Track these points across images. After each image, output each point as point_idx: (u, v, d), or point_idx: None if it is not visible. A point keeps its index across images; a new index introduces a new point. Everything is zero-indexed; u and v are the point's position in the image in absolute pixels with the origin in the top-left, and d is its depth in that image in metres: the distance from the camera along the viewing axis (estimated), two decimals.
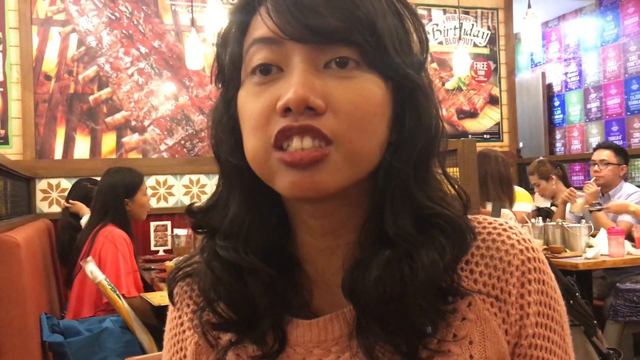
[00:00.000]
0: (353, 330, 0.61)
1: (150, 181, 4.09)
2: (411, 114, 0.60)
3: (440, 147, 0.63)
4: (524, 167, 5.41)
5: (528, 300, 0.63)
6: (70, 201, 3.38)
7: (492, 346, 0.61)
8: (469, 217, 0.66)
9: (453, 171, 2.61)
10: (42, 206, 3.89)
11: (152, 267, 3.41)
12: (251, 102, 0.59)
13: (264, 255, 0.63)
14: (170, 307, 0.73)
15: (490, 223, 0.66)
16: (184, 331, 0.70)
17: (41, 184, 3.90)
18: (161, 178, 4.18)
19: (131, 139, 4.15)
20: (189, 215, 0.68)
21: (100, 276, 2.42)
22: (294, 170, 0.55)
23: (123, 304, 2.42)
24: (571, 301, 2.11)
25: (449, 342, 0.61)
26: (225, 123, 0.64)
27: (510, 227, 0.66)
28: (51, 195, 3.91)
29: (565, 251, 3.16)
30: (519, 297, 0.63)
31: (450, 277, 0.61)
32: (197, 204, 0.68)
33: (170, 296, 0.72)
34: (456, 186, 0.65)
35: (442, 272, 0.59)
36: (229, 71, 0.63)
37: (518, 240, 0.65)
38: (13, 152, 3.84)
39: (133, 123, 4.16)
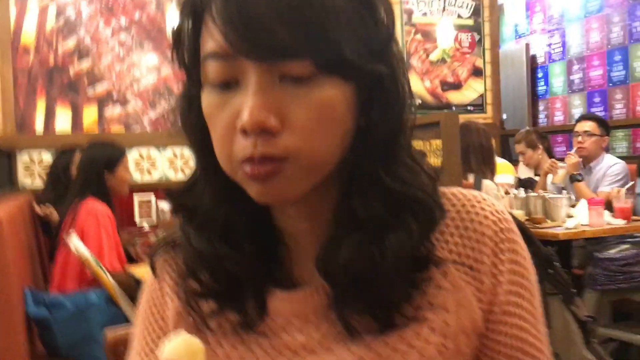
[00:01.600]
0: (331, 303, 0.63)
1: (133, 154, 4.07)
2: (378, 102, 0.60)
3: (410, 124, 0.64)
4: (507, 139, 5.44)
5: (501, 270, 0.65)
6: (43, 207, 3.22)
7: (466, 314, 0.63)
8: (445, 190, 0.68)
9: (436, 144, 2.62)
10: (25, 180, 3.85)
11: (137, 240, 3.41)
12: (215, 114, 0.60)
13: (244, 236, 0.65)
14: (150, 279, 0.74)
15: (464, 195, 0.68)
16: (165, 301, 0.71)
17: (23, 158, 3.86)
18: (144, 151, 4.16)
19: (113, 111, 4.10)
20: (168, 198, 0.69)
21: (83, 250, 2.42)
22: (257, 182, 0.58)
23: (108, 278, 2.43)
24: (550, 270, 2.15)
25: (424, 310, 0.62)
26: (192, 123, 0.64)
27: (484, 199, 0.68)
28: (33, 170, 3.88)
29: (547, 222, 3.21)
30: (492, 267, 0.65)
31: (424, 247, 0.62)
32: (176, 187, 0.69)
33: (152, 267, 0.73)
34: (423, 165, 0.66)
35: (411, 251, 0.61)
36: (188, 71, 0.63)
37: (491, 212, 0.67)
38: None
39: (115, 95, 4.11)
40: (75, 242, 2.40)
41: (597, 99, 5.33)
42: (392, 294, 0.61)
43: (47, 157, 3.85)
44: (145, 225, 3.90)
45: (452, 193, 0.68)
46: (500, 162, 3.76)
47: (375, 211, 0.60)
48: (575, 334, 2.20)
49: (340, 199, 0.63)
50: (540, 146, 4.22)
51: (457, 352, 0.63)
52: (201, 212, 0.65)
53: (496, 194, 3.06)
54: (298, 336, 0.65)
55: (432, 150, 2.64)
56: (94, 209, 2.71)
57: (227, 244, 0.64)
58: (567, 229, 3.00)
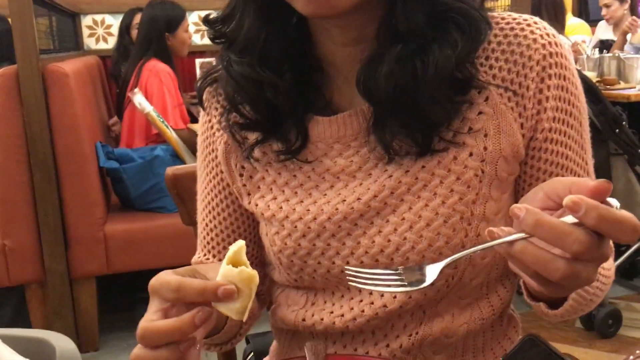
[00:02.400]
0: (370, 126, 0.63)
1: (192, 17, 4.04)
2: None
3: None
4: None
5: (546, 95, 0.63)
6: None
7: (506, 139, 0.62)
8: (494, 14, 0.65)
9: (503, 3, 2.47)
10: (90, 43, 3.93)
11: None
12: None
13: (284, 62, 0.64)
14: (201, 112, 0.76)
15: (514, 19, 0.65)
16: (214, 133, 0.74)
17: (86, 20, 3.91)
18: (203, 14, 4.11)
19: None
20: (206, 25, 0.68)
21: (148, 107, 2.50)
22: None
23: (172, 134, 2.52)
24: (617, 130, 2.07)
25: (464, 134, 0.62)
26: None
27: (535, 22, 0.65)
28: (97, 32, 3.93)
29: (619, 83, 3.04)
30: (537, 92, 0.63)
31: (466, 69, 0.60)
32: (213, 15, 0.68)
33: (200, 101, 0.75)
34: None
35: (455, 65, 0.59)
36: None
37: (541, 35, 0.64)
38: None
39: None
40: (139, 99, 2.48)
41: None
42: (432, 114, 0.60)
43: (110, 20, 3.88)
44: None
45: (501, 17, 0.65)
46: (576, 21, 3.52)
47: (418, 24, 0.58)
48: (638, 194, 2.15)
49: (384, 15, 0.61)
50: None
51: (495, 177, 0.63)
52: (241, 38, 0.64)
53: (568, 49, 2.90)
54: (339, 161, 0.66)
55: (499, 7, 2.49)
56: (155, 69, 2.75)
57: (267, 70, 0.64)
58: None
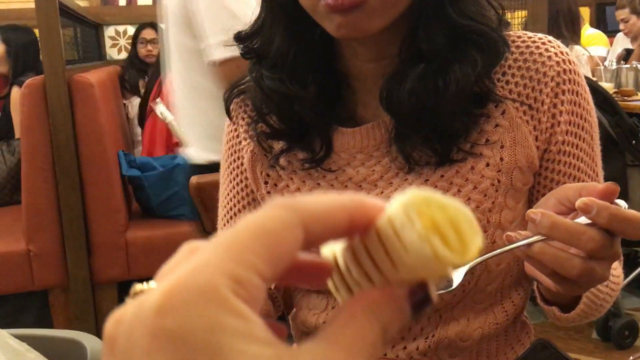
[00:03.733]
0: (392, 137, 0.67)
1: None
2: None
3: None
4: (603, 8, 5.03)
5: (560, 110, 0.66)
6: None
7: (522, 150, 0.66)
8: (511, 32, 0.69)
9: (520, 15, 2.49)
10: (112, 53, 4.01)
11: None
12: None
13: (311, 75, 0.68)
14: (227, 123, 0.80)
15: (529, 37, 0.68)
16: (239, 142, 0.77)
17: (109, 31, 3.99)
18: None
19: None
20: (238, 42, 0.72)
21: (169, 117, 2.55)
22: (338, 14, 0.59)
23: None
24: (634, 141, 2.08)
25: (481, 146, 0.65)
26: None
27: (549, 41, 0.68)
28: (119, 42, 4.01)
29: (637, 94, 3.03)
30: (551, 107, 0.66)
31: (484, 84, 0.64)
32: (243, 31, 0.72)
33: (227, 112, 0.78)
34: (492, 1, 0.66)
35: (474, 83, 0.63)
36: None
37: (555, 53, 0.67)
38: None
39: None
40: (161, 109, 2.53)
41: None
42: (452, 127, 0.63)
43: (132, 31, 3.95)
44: None
45: (518, 35, 0.69)
46: (593, 32, 3.52)
47: (439, 45, 0.62)
48: None
49: (407, 35, 0.65)
50: None
51: (510, 187, 0.66)
52: (272, 54, 0.68)
53: (585, 59, 2.91)
54: (361, 170, 0.70)
55: (517, 24, 2.51)
56: None
57: (296, 85, 0.68)
58: None
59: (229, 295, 0.20)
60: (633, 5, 3.91)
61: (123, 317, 0.22)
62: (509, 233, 0.51)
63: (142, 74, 3.35)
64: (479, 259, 0.53)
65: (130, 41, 3.85)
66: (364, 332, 0.22)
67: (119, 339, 0.21)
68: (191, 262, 0.21)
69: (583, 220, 0.48)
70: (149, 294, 0.21)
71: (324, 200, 0.24)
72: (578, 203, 0.47)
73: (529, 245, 0.49)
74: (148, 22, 3.43)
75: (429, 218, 0.24)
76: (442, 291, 0.54)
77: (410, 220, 0.23)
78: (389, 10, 0.61)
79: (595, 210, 0.47)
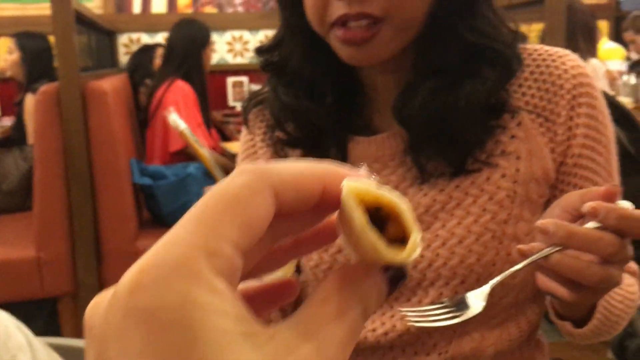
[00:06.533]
0: (407, 148, 0.66)
1: (226, 36, 4.11)
2: None
3: None
4: (621, 22, 5.01)
5: (577, 122, 0.66)
6: None
7: (538, 162, 0.65)
8: (528, 45, 0.69)
9: (537, 28, 2.48)
10: (125, 60, 4.02)
11: (231, 120, 3.54)
12: None
13: (327, 87, 0.69)
14: (244, 131, 0.81)
15: (546, 50, 0.69)
16: (256, 151, 0.78)
17: (122, 39, 4.01)
18: (237, 33, 4.19)
19: None
20: (258, 55, 0.73)
21: (182, 125, 2.54)
22: (350, 46, 0.61)
23: (204, 152, 2.56)
24: None
25: (497, 156, 0.65)
26: None
27: (566, 54, 0.69)
28: (132, 50, 4.02)
29: None
30: (567, 119, 0.66)
31: (500, 96, 0.65)
32: (265, 45, 0.73)
33: (245, 120, 0.79)
34: (505, 19, 0.67)
35: (485, 99, 0.63)
36: None
37: (572, 66, 0.67)
38: (93, 5, 3.92)
39: None
40: (173, 117, 2.52)
41: None
42: (465, 138, 0.64)
43: (146, 38, 3.97)
44: (238, 107, 4.02)
45: (534, 49, 0.69)
46: (611, 46, 3.50)
47: (452, 60, 0.62)
48: None
49: (419, 52, 0.65)
50: None
51: (526, 199, 0.65)
52: (289, 70, 0.69)
53: (602, 73, 2.89)
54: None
55: (534, 37, 2.50)
56: (180, 89, 2.79)
57: (312, 99, 0.68)
58: None
59: (204, 269, 0.20)
60: (636, 26, 3.90)
61: (101, 301, 0.22)
62: (520, 246, 0.51)
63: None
64: (498, 277, 0.53)
65: None
66: (342, 307, 0.22)
67: (95, 322, 0.21)
68: (163, 239, 0.21)
69: (591, 225, 0.48)
70: (125, 275, 0.21)
71: (295, 166, 0.24)
72: (585, 207, 0.48)
73: (546, 257, 0.49)
74: (157, 44, 3.41)
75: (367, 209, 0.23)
76: (465, 317, 0.52)
77: (354, 209, 0.22)
78: (401, 38, 0.62)
79: (604, 212, 0.47)
